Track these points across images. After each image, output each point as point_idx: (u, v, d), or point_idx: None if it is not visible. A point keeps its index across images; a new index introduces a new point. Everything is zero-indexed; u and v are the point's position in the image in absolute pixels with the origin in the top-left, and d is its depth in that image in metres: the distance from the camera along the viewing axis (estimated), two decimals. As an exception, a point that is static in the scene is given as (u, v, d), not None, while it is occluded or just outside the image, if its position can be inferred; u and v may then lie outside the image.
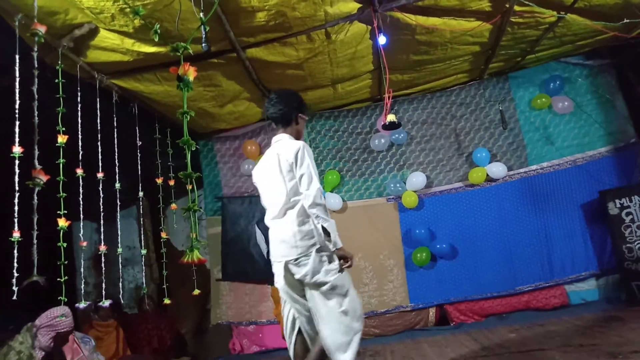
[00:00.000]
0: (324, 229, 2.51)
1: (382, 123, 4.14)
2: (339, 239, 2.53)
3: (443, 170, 5.51)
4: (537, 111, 5.42)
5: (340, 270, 2.54)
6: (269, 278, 4.75)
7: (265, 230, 4.72)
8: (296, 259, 2.52)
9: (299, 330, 2.64)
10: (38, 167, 2.62)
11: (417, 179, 5.33)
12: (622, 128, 5.27)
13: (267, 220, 2.75)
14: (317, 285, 2.52)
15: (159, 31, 2.37)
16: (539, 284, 5.06)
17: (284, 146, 2.65)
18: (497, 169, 5.24)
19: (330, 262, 2.54)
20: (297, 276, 2.55)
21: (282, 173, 2.58)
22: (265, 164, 2.73)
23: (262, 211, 5.31)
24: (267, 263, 4.79)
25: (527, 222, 5.20)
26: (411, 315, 5.24)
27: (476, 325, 4.88)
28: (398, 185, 5.41)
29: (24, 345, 3.07)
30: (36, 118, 2.69)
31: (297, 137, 2.78)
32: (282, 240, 2.58)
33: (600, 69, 5.40)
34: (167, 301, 4.18)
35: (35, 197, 2.60)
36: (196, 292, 4.22)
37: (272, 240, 2.69)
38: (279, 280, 2.65)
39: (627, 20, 4.01)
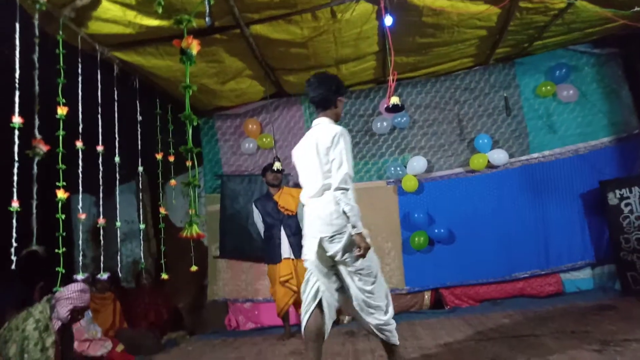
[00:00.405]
0: (344, 212, 2.59)
1: (386, 105, 4.11)
2: (360, 225, 2.60)
3: (444, 155, 5.49)
4: (542, 99, 5.37)
5: (361, 255, 2.59)
6: (265, 257, 4.83)
7: (262, 209, 4.76)
8: (331, 236, 2.65)
9: (319, 304, 2.73)
10: (38, 137, 2.60)
11: (417, 163, 5.32)
12: (626, 119, 5.23)
13: (305, 199, 2.85)
14: (345, 264, 2.67)
15: (162, 2, 2.33)
16: (535, 272, 5.09)
17: (322, 130, 2.76)
18: (499, 156, 5.22)
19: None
20: (329, 253, 2.67)
21: (318, 155, 2.70)
22: (304, 146, 2.86)
23: (261, 190, 5.40)
24: (264, 242, 4.85)
25: (526, 209, 5.20)
26: (406, 298, 5.28)
27: (470, 310, 4.91)
28: (398, 168, 5.40)
29: (43, 315, 3.15)
30: (37, 87, 2.66)
31: (337, 119, 2.91)
32: (318, 217, 2.70)
33: (607, 58, 5.33)
34: (164, 276, 4.20)
35: (35, 167, 2.59)
36: (194, 268, 4.23)
37: (308, 218, 2.80)
38: (310, 255, 2.75)
39: (638, 9, 3.95)
